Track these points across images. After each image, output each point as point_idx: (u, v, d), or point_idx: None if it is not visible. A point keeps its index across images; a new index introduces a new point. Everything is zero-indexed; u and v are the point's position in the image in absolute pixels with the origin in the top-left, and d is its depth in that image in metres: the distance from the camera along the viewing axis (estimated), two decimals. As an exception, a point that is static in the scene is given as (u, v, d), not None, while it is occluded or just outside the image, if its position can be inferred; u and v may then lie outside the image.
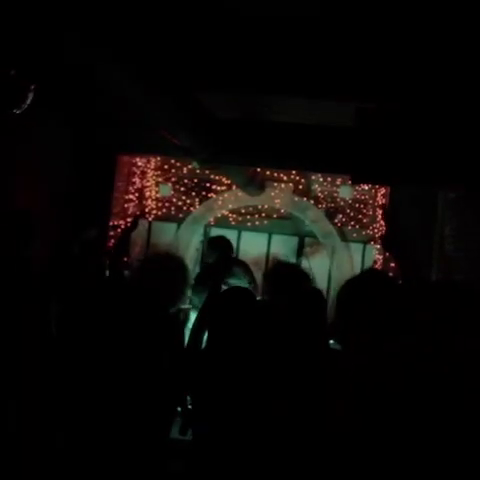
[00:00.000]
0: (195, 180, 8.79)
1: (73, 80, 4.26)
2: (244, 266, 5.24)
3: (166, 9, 3.33)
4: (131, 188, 8.51)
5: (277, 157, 5.76)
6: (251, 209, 8.73)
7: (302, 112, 4.86)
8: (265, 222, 8.68)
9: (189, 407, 2.58)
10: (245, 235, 8.73)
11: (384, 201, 7.73)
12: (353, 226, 8.33)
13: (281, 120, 5.20)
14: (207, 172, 8.56)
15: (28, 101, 3.59)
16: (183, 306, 6.44)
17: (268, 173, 8.38)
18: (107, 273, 3.60)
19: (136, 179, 8.58)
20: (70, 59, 3.01)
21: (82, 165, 6.94)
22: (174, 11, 3.38)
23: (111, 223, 7.81)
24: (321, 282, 8.06)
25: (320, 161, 5.77)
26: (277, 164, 6.82)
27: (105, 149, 7.16)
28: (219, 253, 4.88)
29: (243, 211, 8.74)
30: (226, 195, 8.67)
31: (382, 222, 7.53)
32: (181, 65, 3.61)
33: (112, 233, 7.79)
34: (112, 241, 7.74)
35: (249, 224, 8.70)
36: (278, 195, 8.54)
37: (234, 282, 3.73)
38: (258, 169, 7.63)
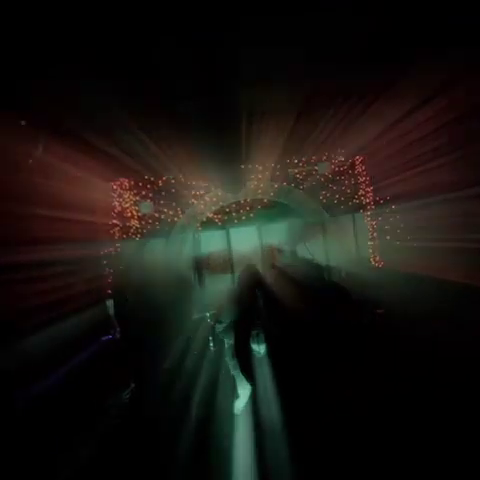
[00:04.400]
0: (172, 190, 8.73)
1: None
2: None
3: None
4: (113, 213, 8.41)
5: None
6: (234, 206, 8.70)
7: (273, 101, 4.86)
8: (251, 215, 8.67)
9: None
10: (234, 232, 8.72)
11: (364, 167, 7.77)
12: (338, 199, 8.35)
13: (253, 112, 5.18)
14: (183, 180, 8.51)
15: (38, 153, 3.53)
16: (198, 315, 6.47)
17: (243, 166, 8.35)
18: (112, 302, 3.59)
19: (116, 203, 8.47)
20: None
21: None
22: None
23: (102, 252, 7.72)
24: (320, 259, 8.12)
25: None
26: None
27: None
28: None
29: (227, 210, 8.71)
30: (207, 198, 8.63)
31: (366, 188, 7.60)
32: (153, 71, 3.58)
33: (105, 261, 7.71)
34: (107, 269, 7.66)
35: (236, 221, 8.67)
36: (258, 185, 8.53)
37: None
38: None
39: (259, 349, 2.54)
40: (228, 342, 2.94)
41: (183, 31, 3.42)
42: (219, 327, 3.49)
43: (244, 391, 2.55)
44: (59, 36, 2.20)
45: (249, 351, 2.38)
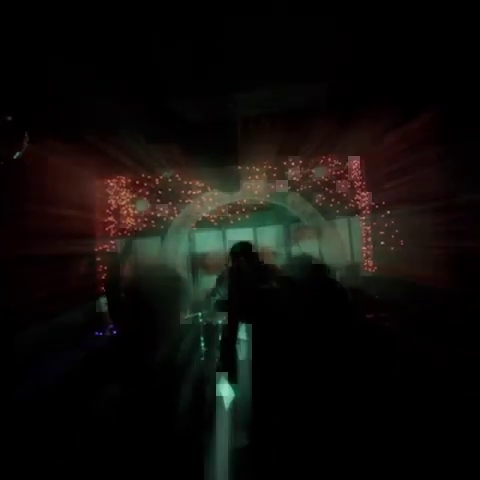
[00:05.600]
0: (169, 189, 8.72)
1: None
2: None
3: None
4: (108, 210, 8.42)
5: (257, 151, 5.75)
6: (231, 206, 8.71)
7: (269, 102, 4.88)
8: (247, 216, 8.67)
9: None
10: (230, 233, 8.72)
11: (360, 172, 7.80)
12: (334, 202, 8.36)
13: (250, 114, 5.19)
14: (179, 179, 8.52)
15: (24, 148, 3.53)
16: (190, 315, 6.46)
17: (240, 167, 8.36)
18: (105, 299, 3.59)
19: (111, 200, 8.48)
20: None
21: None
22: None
23: (96, 248, 7.74)
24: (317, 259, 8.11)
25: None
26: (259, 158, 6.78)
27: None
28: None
29: (223, 210, 8.72)
30: (203, 198, 8.64)
31: (362, 193, 7.64)
32: (149, 72, 3.59)
33: (99, 258, 7.72)
34: (101, 266, 7.68)
35: (232, 222, 8.68)
36: (254, 187, 8.54)
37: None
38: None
39: (246, 338, 2.54)
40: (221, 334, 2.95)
41: (181, 29, 3.43)
42: (214, 299, 3.54)
43: (228, 392, 2.55)
44: (55, 33, 2.21)
45: (235, 353, 2.38)
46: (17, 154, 3.55)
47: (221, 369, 2.48)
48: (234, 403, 2.45)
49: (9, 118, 3.31)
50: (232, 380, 2.38)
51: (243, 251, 3.10)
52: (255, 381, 1.99)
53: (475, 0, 3.26)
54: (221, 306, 3.33)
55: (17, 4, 2.08)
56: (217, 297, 3.51)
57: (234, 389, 2.42)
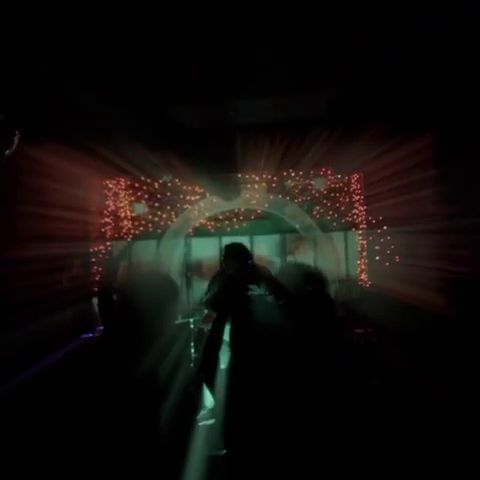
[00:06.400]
0: (168, 194, 8.73)
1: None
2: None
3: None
4: (106, 211, 8.41)
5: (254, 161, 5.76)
6: (228, 214, 8.71)
7: (270, 112, 4.90)
8: (244, 225, 8.67)
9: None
10: (226, 240, 8.69)
11: (359, 186, 7.81)
12: (332, 215, 8.36)
13: (250, 122, 5.20)
14: (179, 184, 8.52)
15: (14, 146, 3.52)
16: (181, 321, 6.44)
17: (240, 175, 8.37)
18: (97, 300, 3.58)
19: (109, 202, 8.48)
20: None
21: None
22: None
23: (91, 249, 7.73)
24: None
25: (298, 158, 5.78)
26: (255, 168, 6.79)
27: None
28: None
29: (221, 217, 8.72)
30: (201, 204, 8.64)
31: (360, 207, 7.65)
32: (148, 78, 3.60)
33: (94, 259, 7.71)
34: (95, 267, 7.67)
35: (229, 229, 8.68)
36: (253, 196, 8.55)
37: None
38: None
39: (229, 340, 2.51)
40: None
41: (181, 36, 3.44)
42: (204, 297, 3.52)
43: (209, 402, 2.53)
44: (53, 34, 2.21)
45: (217, 364, 2.34)
46: (6, 152, 3.53)
47: (200, 376, 2.46)
48: (213, 410, 2.43)
49: (1, 116, 3.30)
50: (210, 387, 2.35)
51: (235, 252, 3.08)
52: (231, 389, 1.97)
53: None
54: (211, 305, 3.31)
55: (15, 5, 2.08)
56: (208, 296, 3.49)
57: (214, 397, 2.39)
